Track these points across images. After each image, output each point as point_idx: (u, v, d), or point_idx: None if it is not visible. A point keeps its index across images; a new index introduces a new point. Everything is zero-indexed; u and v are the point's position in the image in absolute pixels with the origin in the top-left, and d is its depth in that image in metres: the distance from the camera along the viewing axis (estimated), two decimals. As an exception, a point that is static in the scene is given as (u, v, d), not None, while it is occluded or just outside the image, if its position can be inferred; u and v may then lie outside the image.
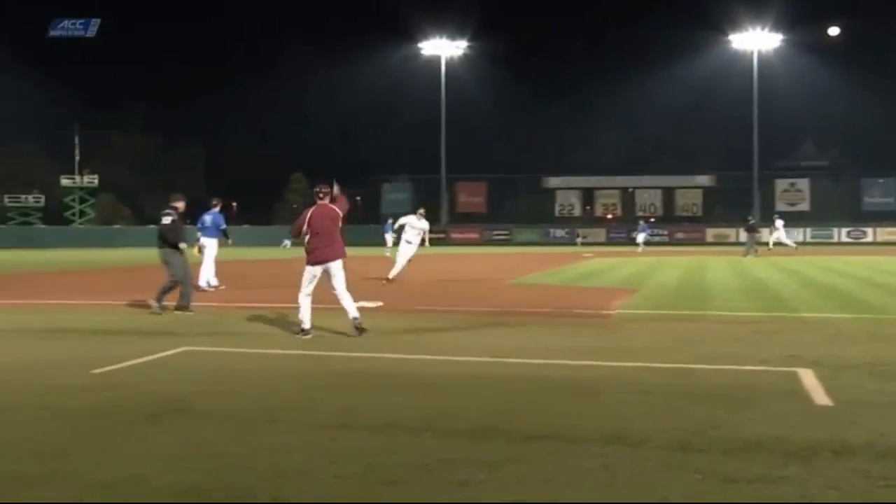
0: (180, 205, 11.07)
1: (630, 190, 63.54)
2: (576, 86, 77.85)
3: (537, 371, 6.25)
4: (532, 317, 10.09)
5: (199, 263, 13.82)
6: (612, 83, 72.70)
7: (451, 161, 61.16)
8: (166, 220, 10.70)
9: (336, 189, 8.54)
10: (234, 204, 12.95)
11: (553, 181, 63.57)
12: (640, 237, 38.55)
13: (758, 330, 8.53)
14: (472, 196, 64.70)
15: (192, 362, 6.82)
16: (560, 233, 56.44)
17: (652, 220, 59.49)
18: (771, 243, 34.49)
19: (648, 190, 62.38)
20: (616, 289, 14.44)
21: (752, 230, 30.38)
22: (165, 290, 10.56)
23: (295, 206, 73.16)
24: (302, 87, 76.63)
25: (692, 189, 61.61)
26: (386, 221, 31.88)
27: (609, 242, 53.24)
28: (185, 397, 5.25)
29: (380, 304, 11.28)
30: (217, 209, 14.54)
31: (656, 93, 66.28)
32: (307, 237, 8.36)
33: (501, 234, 58.84)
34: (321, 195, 8.49)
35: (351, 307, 8.36)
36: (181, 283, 10.55)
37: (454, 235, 58.13)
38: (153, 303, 10.44)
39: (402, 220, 15.37)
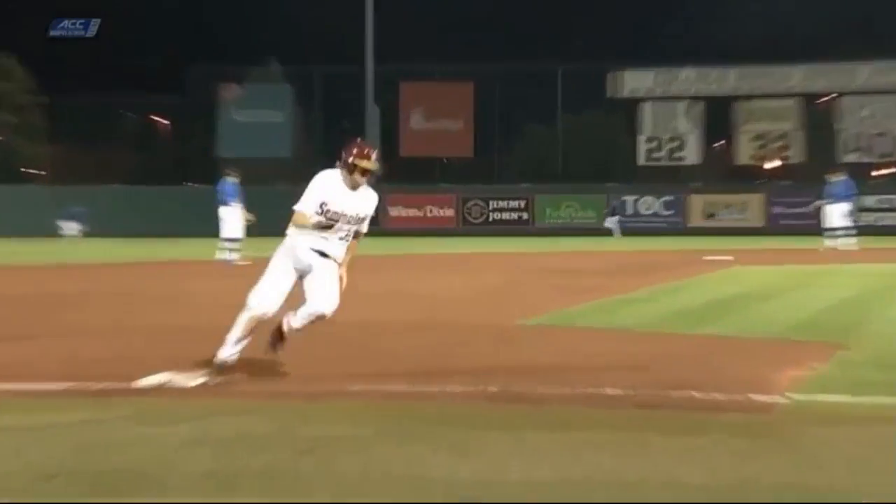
0: None
1: (819, 101, 42.03)
2: None
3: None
4: (580, 405, 7.00)
5: None
6: None
7: (384, 38, 38.03)
8: None
9: None
10: None
11: (632, 80, 43.29)
12: (836, 213, 26.33)
13: None
14: (437, 117, 42.54)
15: None
16: (650, 207, 40.50)
17: (875, 172, 40.79)
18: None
19: (869, 98, 39.78)
20: (788, 340, 10.78)
21: None
22: None
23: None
24: None
25: None
26: (222, 179, 22.90)
27: (769, 231, 38.23)
28: None
29: (217, 379, 7.58)
30: None
31: None
32: None
33: (507, 206, 40.71)
34: None
35: None
36: None
37: (395, 213, 39.23)
38: None
39: (319, 186, 7.55)
